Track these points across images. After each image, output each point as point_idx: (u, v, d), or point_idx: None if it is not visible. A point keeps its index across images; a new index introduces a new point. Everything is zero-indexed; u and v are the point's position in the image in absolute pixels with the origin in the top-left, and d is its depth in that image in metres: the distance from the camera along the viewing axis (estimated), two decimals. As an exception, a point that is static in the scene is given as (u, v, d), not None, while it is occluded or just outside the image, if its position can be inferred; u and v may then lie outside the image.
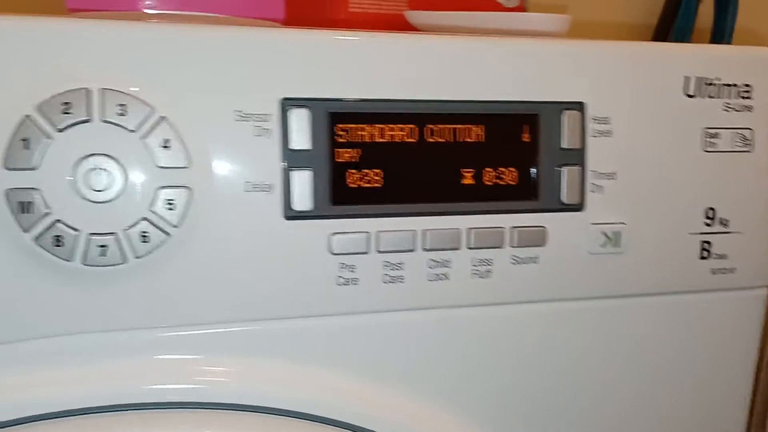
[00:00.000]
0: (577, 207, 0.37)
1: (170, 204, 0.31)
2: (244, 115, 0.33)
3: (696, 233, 0.40)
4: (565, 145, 0.37)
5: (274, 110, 0.33)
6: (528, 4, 0.69)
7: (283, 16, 0.47)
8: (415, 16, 0.53)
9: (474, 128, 0.36)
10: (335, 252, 0.34)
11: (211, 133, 0.32)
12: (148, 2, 0.42)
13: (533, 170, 0.37)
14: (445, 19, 0.51)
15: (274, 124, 0.33)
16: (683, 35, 0.82)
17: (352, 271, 0.35)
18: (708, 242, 0.40)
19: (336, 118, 0.34)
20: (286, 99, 0.33)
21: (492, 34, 0.47)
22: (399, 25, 0.57)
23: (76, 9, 0.42)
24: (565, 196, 0.37)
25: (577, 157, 0.37)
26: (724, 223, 0.40)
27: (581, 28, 0.61)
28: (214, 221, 0.33)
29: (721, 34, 0.81)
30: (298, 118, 0.33)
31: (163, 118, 0.31)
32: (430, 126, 0.36)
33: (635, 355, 0.40)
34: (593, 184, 0.37)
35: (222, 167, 0.32)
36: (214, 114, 0.32)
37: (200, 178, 0.32)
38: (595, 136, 0.37)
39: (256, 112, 0.33)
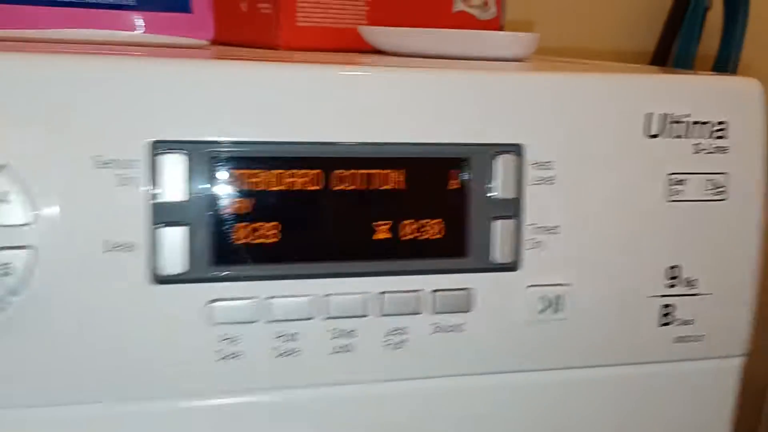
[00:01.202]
0: (511, 266, 0.32)
1: (6, 269, 0.26)
2: (104, 162, 0.28)
3: (656, 296, 0.34)
4: (498, 194, 0.32)
5: (142, 155, 0.28)
6: (506, 21, 0.63)
7: (211, 35, 0.42)
8: (368, 33, 0.48)
9: (392, 174, 0.31)
10: (215, 322, 0.29)
11: (64, 182, 0.27)
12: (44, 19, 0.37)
13: (461, 223, 0.32)
14: (398, 36, 0.46)
15: (141, 172, 0.28)
16: (684, 63, 0.76)
17: (235, 344, 0.30)
18: (671, 305, 0.34)
19: (221, 163, 0.29)
20: (157, 142, 0.28)
21: (450, 54, 0.42)
22: (354, 41, 0.52)
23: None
24: (498, 254, 0.32)
25: (512, 208, 0.32)
26: (690, 283, 0.34)
27: (576, 56, 0.56)
28: (67, 287, 0.28)
29: (724, 63, 0.74)
30: (170, 165, 0.28)
31: (2, 166, 0.26)
32: (339, 171, 0.30)
33: (579, 438, 0.35)
34: (531, 239, 0.32)
35: (76, 224, 0.27)
36: (68, 160, 0.27)
37: (48, 237, 0.27)
38: (534, 184, 0.32)
39: (119, 157, 0.28)
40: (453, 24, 0.57)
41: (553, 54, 0.58)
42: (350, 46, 0.51)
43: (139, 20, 0.40)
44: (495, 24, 0.60)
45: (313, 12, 0.52)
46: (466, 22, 0.58)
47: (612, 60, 0.62)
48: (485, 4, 0.59)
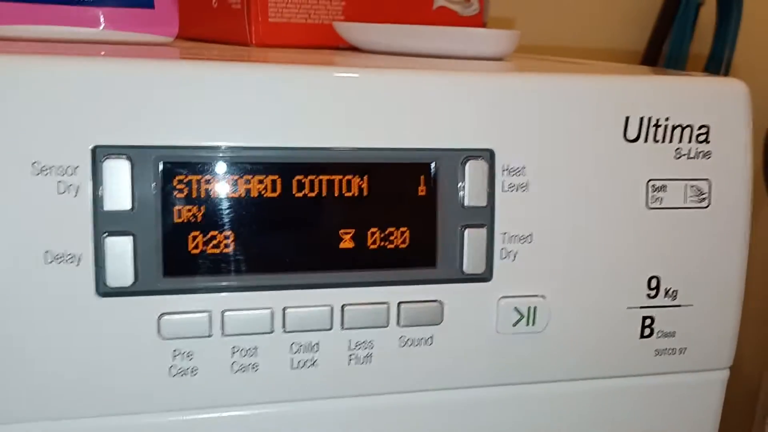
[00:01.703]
0: (483, 277, 0.30)
1: (-63, 283, 0.25)
2: (43, 168, 0.26)
3: (636, 307, 0.32)
4: (468, 201, 0.30)
5: (84, 161, 0.26)
6: (490, 19, 0.61)
7: (175, 31, 0.40)
8: (344, 29, 0.46)
9: (355, 180, 0.29)
10: (166, 336, 0.28)
11: (0, 190, 0.26)
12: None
13: (429, 232, 0.30)
14: (374, 33, 0.44)
15: (83, 179, 0.26)
16: (676, 62, 0.74)
17: (189, 359, 0.28)
18: (651, 317, 0.33)
19: (171, 168, 0.27)
20: (99, 147, 0.26)
21: (427, 52, 0.40)
22: (330, 37, 0.50)
23: None
24: (468, 264, 0.30)
25: (482, 216, 0.30)
26: (671, 294, 0.33)
27: (566, 55, 0.54)
28: (8, 301, 0.26)
29: (717, 62, 0.73)
30: (114, 171, 0.26)
31: (-69, 172, 0.25)
32: (299, 177, 0.29)
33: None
34: (504, 249, 0.30)
35: (14, 234, 0.26)
36: (4, 166, 0.25)
37: (-17, 248, 0.25)
38: (506, 191, 0.30)
39: (59, 163, 0.26)
40: (434, 20, 0.56)
41: (541, 53, 0.56)
42: (326, 43, 0.50)
43: (98, 16, 0.38)
44: (477, 21, 0.58)
45: (287, 7, 0.50)
46: (447, 18, 0.57)
47: (603, 59, 0.61)
48: (467, 0, 0.57)
